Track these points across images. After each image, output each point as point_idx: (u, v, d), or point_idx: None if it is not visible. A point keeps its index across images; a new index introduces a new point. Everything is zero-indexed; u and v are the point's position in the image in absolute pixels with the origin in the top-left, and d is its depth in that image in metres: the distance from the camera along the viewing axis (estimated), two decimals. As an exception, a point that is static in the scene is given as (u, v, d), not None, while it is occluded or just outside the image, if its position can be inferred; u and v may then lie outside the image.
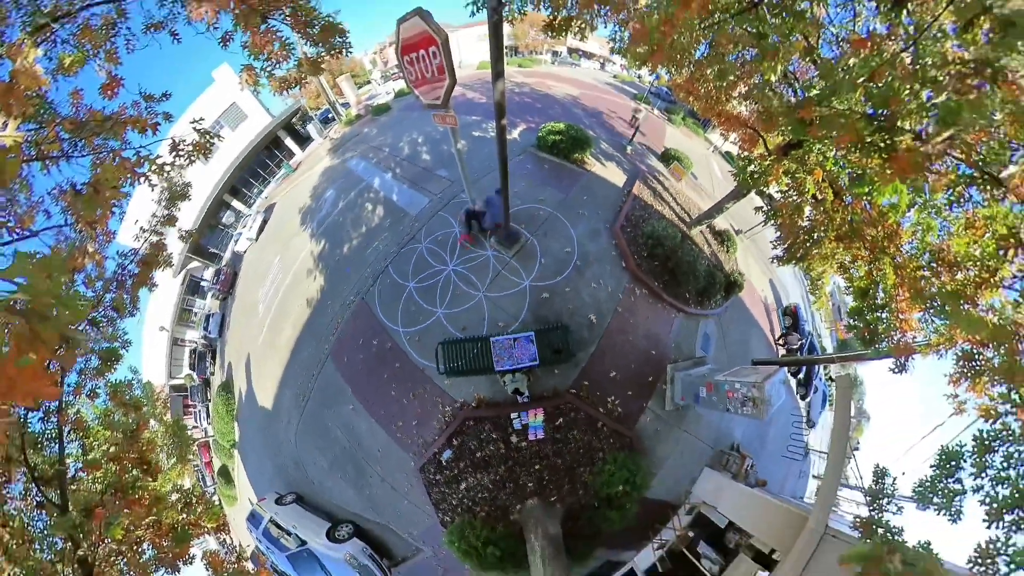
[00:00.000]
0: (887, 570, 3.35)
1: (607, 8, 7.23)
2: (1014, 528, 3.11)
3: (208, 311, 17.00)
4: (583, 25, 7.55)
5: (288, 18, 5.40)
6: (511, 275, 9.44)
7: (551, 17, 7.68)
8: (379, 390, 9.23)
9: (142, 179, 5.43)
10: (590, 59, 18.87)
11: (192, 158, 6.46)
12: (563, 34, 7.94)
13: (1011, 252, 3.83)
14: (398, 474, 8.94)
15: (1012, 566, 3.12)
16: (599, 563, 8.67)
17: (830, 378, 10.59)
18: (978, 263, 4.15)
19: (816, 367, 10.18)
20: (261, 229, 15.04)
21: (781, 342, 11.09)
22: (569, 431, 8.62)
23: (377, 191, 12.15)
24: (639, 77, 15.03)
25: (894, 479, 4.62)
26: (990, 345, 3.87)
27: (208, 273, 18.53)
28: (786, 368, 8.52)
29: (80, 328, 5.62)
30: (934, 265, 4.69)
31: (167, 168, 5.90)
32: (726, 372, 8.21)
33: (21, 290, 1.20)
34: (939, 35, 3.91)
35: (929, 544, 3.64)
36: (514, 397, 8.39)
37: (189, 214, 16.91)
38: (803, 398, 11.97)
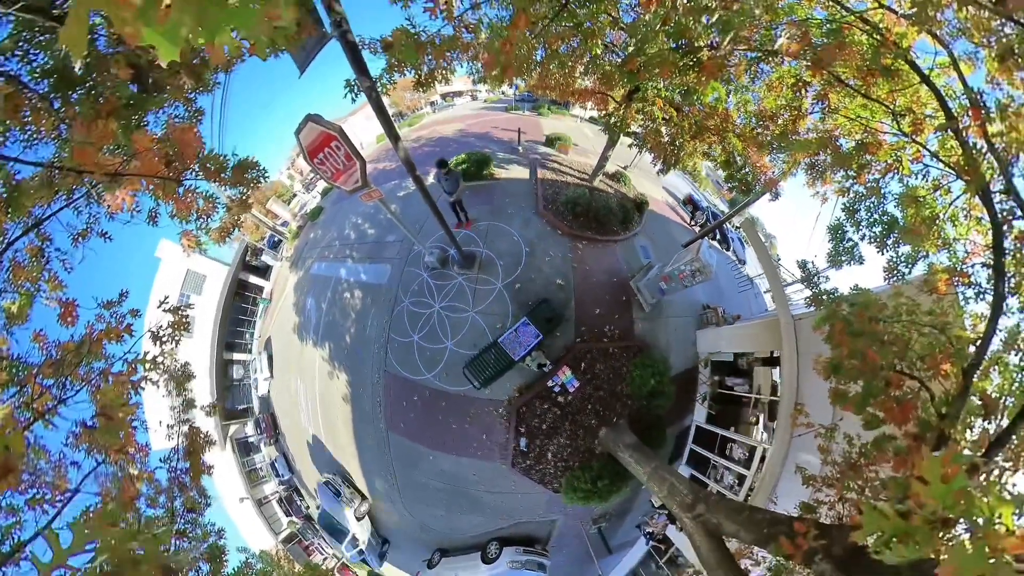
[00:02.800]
0: (842, 316, 4.12)
1: (457, 52, 7.47)
2: (897, 245, 4.05)
3: (270, 460, 14.89)
4: (444, 73, 7.72)
5: (200, 174, 4.87)
6: (484, 286, 9.55)
7: (416, 77, 7.74)
8: (442, 431, 9.05)
9: (143, 383, 4.67)
10: (462, 96, 19.13)
11: (176, 338, 5.64)
12: (432, 86, 8.05)
13: (802, 91, 4.85)
14: (500, 480, 8.90)
15: (906, 267, 4.08)
16: (672, 438, 9.36)
17: (737, 227, 12.33)
18: (786, 108, 5.17)
19: (724, 225, 11.61)
20: (271, 365, 13.48)
21: (693, 223, 12.60)
22: (593, 368, 9.08)
23: (347, 280, 11.48)
24: (503, 93, 15.70)
25: (812, 263, 5.66)
26: (820, 152, 4.88)
27: (249, 428, 16.06)
28: (706, 237, 9.77)
29: (172, 549, 4.73)
30: (761, 123, 5.72)
31: (160, 360, 5.11)
32: (670, 264, 9.15)
33: (99, 553, 1.08)
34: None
35: (857, 285, 4.56)
36: (540, 371, 8.67)
37: (202, 388, 14.48)
38: (727, 249, 13.35)
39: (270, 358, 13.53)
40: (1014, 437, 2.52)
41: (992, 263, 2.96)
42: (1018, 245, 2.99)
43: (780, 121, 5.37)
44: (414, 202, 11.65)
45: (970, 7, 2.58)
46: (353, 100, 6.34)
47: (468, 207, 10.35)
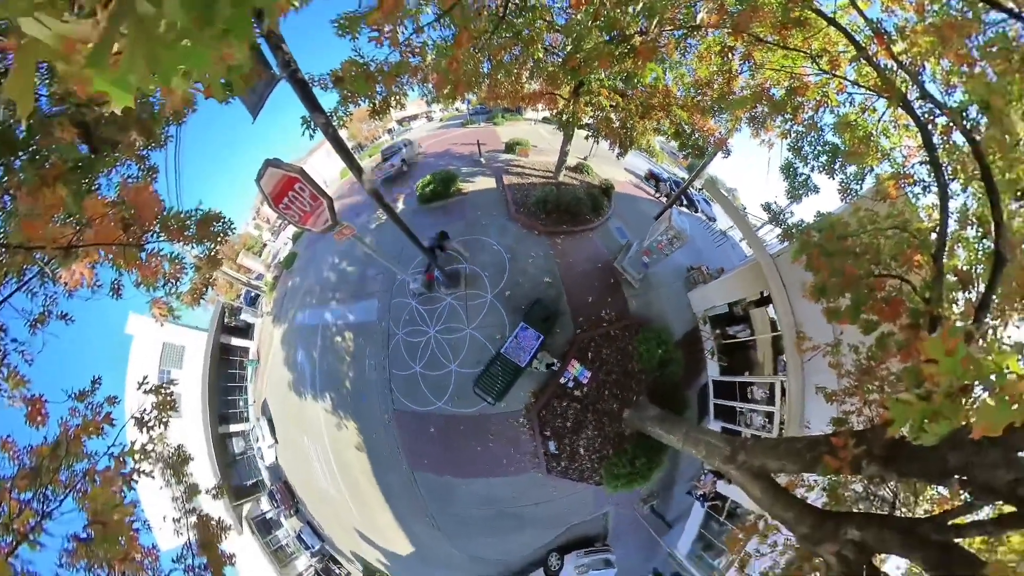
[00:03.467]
0: (814, 243, 4.50)
1: (407, 76, 7.67)
2: (842, 167, 4.55)
3: (294, 532, 13.37)
4: (397, 98, 7.88)
5: (162, 235, 4.59)
6: (475, 301, 9.54)
7: (371, 106, 7.85)
8: (467, 457, 8.78)
9: (135, 477, 4.19)
10: (417, 119, 19.33)
11: (164, 420, 5.13)
12: (387, 113, 8.18)
13: (729, 56, 5.43)
14: (539, 490, 8.68)
15: (857, 184, 4.58)
16: (694, 398, 9.61)
17: (699, 189, 13.20)
18: (719, 73, 5.76)
19: (688, 190, 12.26)
20: (272, 430, 12.44)
21: (658, 195, 13.36)
22: (600, 355, 9.22)
23: (335, 324, 11.03)
24: (457, 109, 16.08)
25: (775, 203, 6.19)
26: (757, 105, 5.44)
27: (264, 503, 14.36)
28: (674, 205, 10.42)
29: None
30: (700, 91, 6.31)
31: (150, 448, 4.64)
32: (647, 238, 9.63)
33: None
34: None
35: (820, 212, 5.03)
36: (550, 370, 8.70)
37: (203, 470, 12.92)
38: (696, 211, 14.32)
39: (270, 422, 12.52)
40: (994, 297, 2.86)
41: (928, 159, 3.42)
42: (945, 138, 3.49)
43: (715, 86, 5.95)
44: (388, 231, 11.53)
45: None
46: (311, 137, 6.32)
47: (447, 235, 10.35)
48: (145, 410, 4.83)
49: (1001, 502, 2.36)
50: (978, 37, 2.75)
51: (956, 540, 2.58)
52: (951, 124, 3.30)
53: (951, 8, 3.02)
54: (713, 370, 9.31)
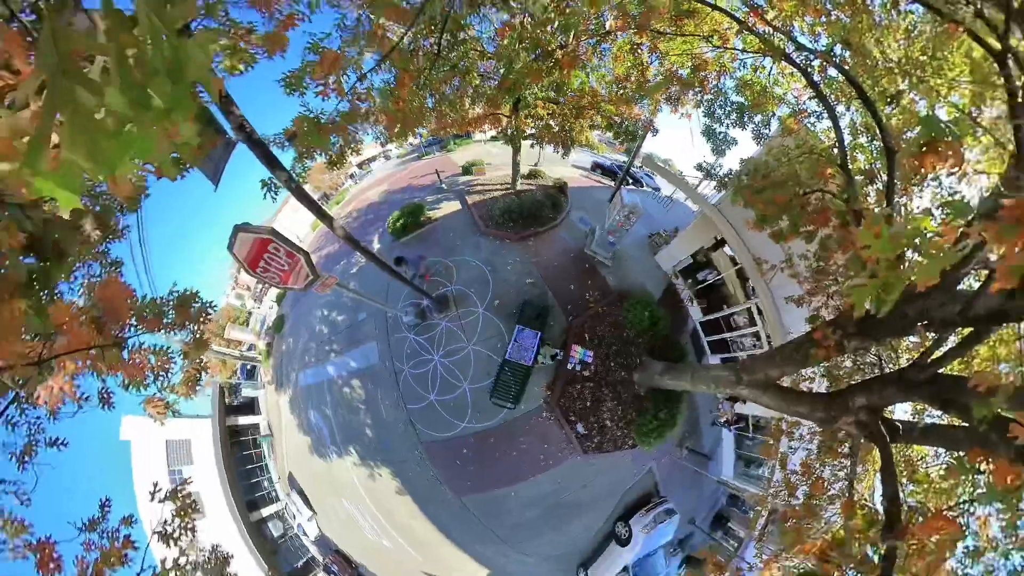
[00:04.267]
0: (745, 185, 5.11)
1: (358, 124, 7.65)
2: (751, 118, 5.25)
3: None
4: (352, 146, 7.82)
5: (140, 327, 4.11)
6: (468, 318, 9.53)
7: (328, 157, 7.70)
8: (506, 466, 8.64)
9: None
10: (376, 160, 18.88)
11: (189, 525, 4.47)
12: (344, 161, 8.07)
13: (638, 51, 6.12)
14: (582, 473, 8.70)
15: (766, 129, 5.29)
16: (688, 344, 10.17)
17: (640, 167, 14.24)
18: (633, 68, 6.44)
19: (631, 171, 12.95)
20: (307, 502, 11.09)
21: (611, 182, 14.23)
22: (596, 333, 9.52)
23: (339, 376, 10.35)
24: (411, 145, 16.02)
25: (705, 162, 6.91)
26: (670, 87, 6.13)
27: None
28: (622, 186, 11.21)
29: None
30: (620, 85, 6.98)
31: (183, 561, 4.04)
32: (607, 220, 10.24)
33: None
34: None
35: (742, 159, 5.68)
36: (556, 361, 8.93)
37: (247, 566, 11.03)
38: (642, 186, 15.49)
39: (302, 494, 11.20)
40: (896, 182, 3.45)
41: (814, 94, 4.09)
42: (823, 75, 4.20)
43: (632, 78, 6.63)
44: (369, 272, 11.16)
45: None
46: (273, 200, 6.05)
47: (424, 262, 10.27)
48: (166, 521, 4.16)
49: (960, 328, 2.79)
50: (828, -8, 3.47)
51: (939, 372, 2.98)
52: (824, 63, 3.99)
53: (803, -24, 3.75)
54: (696, 314, 9.95)
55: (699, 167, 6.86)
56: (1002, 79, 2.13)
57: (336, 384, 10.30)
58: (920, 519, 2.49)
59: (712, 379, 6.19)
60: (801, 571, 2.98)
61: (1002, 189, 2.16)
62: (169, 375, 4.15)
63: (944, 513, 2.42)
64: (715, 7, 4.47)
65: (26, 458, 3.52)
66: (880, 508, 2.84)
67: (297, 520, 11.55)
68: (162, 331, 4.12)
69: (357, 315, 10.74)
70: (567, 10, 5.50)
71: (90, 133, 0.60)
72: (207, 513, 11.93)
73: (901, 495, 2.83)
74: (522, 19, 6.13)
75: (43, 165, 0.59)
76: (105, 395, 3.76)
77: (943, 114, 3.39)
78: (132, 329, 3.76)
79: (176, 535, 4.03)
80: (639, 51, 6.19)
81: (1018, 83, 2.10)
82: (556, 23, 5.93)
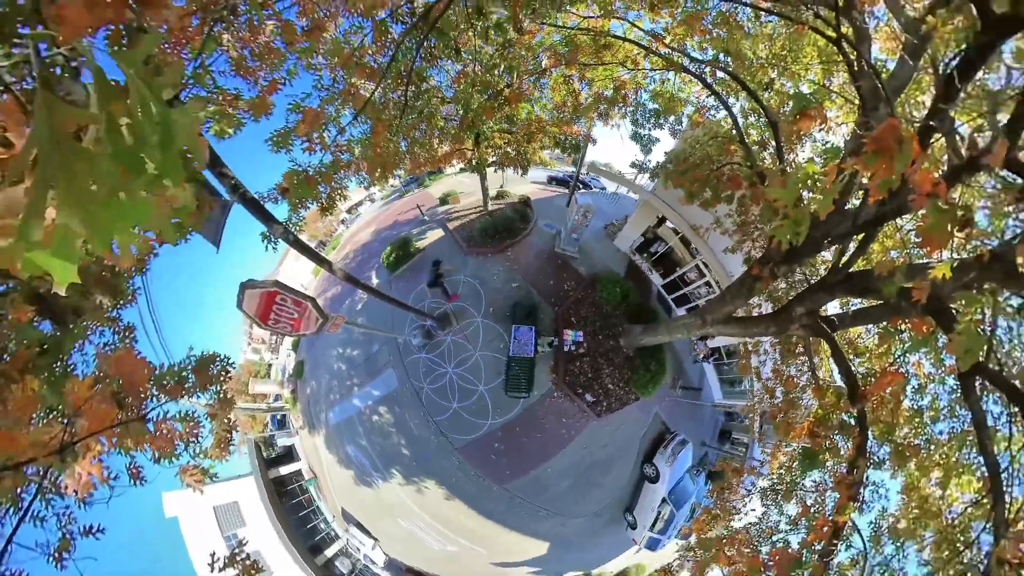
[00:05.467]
0: (672, 171, 5.72)
1: (342, 172, 7.51)
2: (666, 119, 5.95)
3: None
4: (339, 193, 7.65)
5: (162, 396, 3.67)
6: (470, 328, 9.59)
7: (320, 206, 7.46)
8: (535, 447, 8.70)
9: None
10: (362, 204, 18.05)
11: None
12: (334, 207, 7.87)
13: (570, 81, 6.73)
14: (601, 433, 8.97)
15: (679, 125, 6.04)
16: (657, 306, 10.79)
17: (587, 173, 15.11)
18: (568, 95, 7.04)
19: (581, 177, 13.23)
20: (366, 532, 10.08)
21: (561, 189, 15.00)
22: (580, 316, 9.94)
23: (367, 407, 9.84)
24: (392, 185, 15.66)
25: (637, 160, 7.61)
26: (599, 106, 6.79)
27: None
28: (575, 191, 11.93)
29: None
30: (560, 111, 7.59)
31: None
32: (568, 221, 10.79)
33: None
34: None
35: (666, 152, 6.42)
36: (552, 347, 9.22)
37: None
38: (592, 188, 16.52)
39: (359, 526, 10.13)
40: (781, 146, 4.13)
41: (710, 92, 4.80)
42: (714, 78, 4.96)
43: (568, 104, 7.23)
44: (373, 306, 10.73)
45: None
46: (273, 250, 5.77)
47: (438, 281, 10.18)
48: (234, 591, 3.61)
49: (856, 236, 3.36)
50: (708, 17, 4.16)
51: (850, 271, 3.54)
52: (714, 69, 4.73)
53: (688, 8, 4.46)
54: (657, 280, 10.72)
55: (633, 164, 7.57)
56: (840, 56, 2.75)
57: (365, 414, 9.70)
58: (872, 380, 2.92)
59: (683, 327, 6.69)
60: (801, 449, 3.33)
61: (859, 131, 2.72)
62: (199, 440, 3.70)
63: (888, 370, 2.86)
64: (625, 39, 5.14)
65: (61, 556, 2.89)
66: (841, 383, 3.28)
67: (362, 552, 10.37)
68: (185, 397, 3.70)
69: (371, 347, 10.26)
70: (509, 55, 5.97)
71: (84, 204, 0.54)
72: (272, 569, 10.60)
73: (852, 368, 3.29)
74: (473, 67, 6.51)
75: (36, 237, 0.51)
76: (136, 472, 3.26)
77: (806, 89, 4.19)
78: (153, 399, 3.34)
79: (246, 604, 3.49)
80: (571, 81, 6.81)
81: (852, 56, 2.73)
82: (502, 67, 6.38)
